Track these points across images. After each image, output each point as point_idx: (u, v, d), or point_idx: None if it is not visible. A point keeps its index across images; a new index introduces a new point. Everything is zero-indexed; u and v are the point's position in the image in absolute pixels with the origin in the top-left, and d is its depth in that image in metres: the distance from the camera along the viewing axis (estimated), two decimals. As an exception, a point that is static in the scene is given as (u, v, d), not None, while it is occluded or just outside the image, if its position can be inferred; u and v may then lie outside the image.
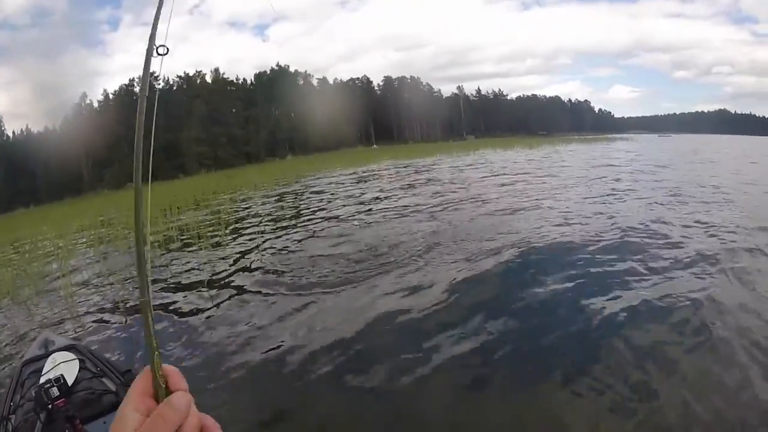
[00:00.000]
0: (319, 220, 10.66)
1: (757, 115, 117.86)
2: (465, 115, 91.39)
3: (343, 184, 19.47)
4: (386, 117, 77.89)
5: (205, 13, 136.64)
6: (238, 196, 19.26)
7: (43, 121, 59.19)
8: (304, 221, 10.76)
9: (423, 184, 16.05)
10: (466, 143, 63.19)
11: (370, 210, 11.66)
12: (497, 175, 17.69)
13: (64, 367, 2.60)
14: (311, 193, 17.18)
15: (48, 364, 2.68)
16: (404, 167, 25.14)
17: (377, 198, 13.69)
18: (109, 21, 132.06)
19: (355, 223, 9.99)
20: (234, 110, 64.88)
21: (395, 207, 11.58)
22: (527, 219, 8.46)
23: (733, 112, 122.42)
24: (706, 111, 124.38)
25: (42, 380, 2.21)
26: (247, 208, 15.03)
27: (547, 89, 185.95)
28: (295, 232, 9.55)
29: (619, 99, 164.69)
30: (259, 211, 13.86)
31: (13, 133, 58.78)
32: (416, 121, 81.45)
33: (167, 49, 1.26)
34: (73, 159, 52.70)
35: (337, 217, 10.88)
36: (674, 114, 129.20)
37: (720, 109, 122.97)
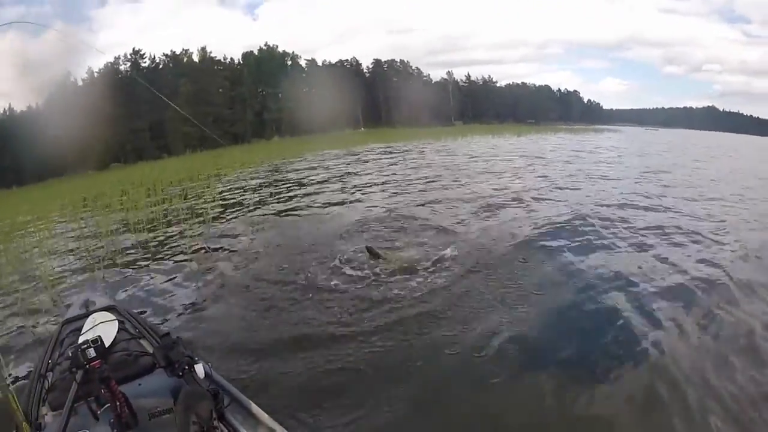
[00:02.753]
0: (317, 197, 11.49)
1: (744, 113, 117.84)
2: (454, 101, 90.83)
3: (330, 165, 20.36)
4: (374, 100, 77.41)
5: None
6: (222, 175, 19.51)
7: (27, 99, 57.47)
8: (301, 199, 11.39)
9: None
10: (454, 129, 63.35)
11: (354, 189, 12.34)
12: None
13: (103, 327, 2.64)
14: (302, 172, 17.61)
15: (88, 323, 2.71)
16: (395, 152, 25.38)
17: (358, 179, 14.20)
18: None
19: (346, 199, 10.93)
20: (221, 90, 63.96)
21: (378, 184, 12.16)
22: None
23: (721, 110, 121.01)
24: (694, 107, 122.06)
25: (81, 340, 2.20)
26: (233, 188, 15.21)
27: (537, 78, 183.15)
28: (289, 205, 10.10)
29: (608, 91, 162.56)
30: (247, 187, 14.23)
31: (-5, 112, 57.11)
32: (404, 105, 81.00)
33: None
34: (57, 139, 51.58)
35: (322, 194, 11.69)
36: (662, 108, 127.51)
37: (708, 106, 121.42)
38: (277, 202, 11.37)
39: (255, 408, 2.25)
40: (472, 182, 12.81)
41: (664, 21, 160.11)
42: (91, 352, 1.89)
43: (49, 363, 2.61)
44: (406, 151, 25.29)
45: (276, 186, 14.18)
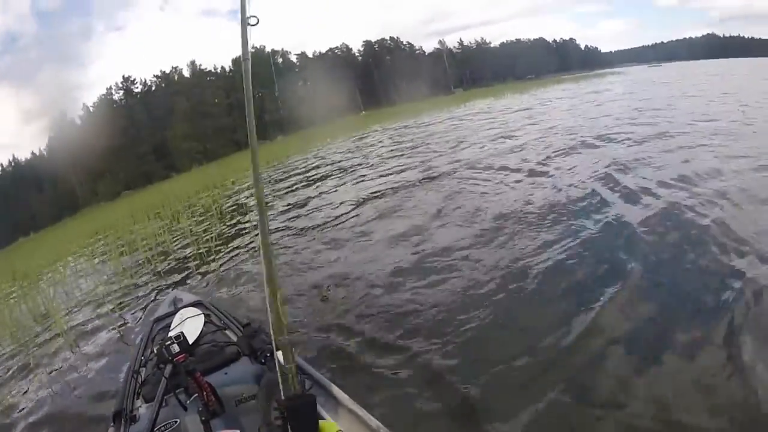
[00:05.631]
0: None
1: (745, 36, 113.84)
2: (450, 69, 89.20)
3: (329, 157, 19.42)
4: (370, 82, 76.33)
5: (177, 7, 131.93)
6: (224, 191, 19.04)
7: (32, 145, 58.59)
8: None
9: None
10: (453, 97, 61.94)
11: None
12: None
13: (190, 322, 2.79)
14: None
15: (176, 319, 2.90)
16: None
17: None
18: (80, 32, 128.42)
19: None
20: (216, 100, 63.71)
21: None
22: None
23: (721, 36, 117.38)
24: (693, 37, 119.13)
25: (170, 335, 2.30)
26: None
27: (532, 32, 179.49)
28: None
29: (606, 34, 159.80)
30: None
31: (1, 166, 57.78)
32: (401, 81, 79.89)
33: (257, 19, 1.68)
34: (65, 178, 52.04)
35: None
36: (662, 43, 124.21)
37: (708, 34, 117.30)
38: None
39: (337, 391, 2.16)
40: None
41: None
42: (175, 348, 2.01)
43: (141, 359, 2.75)
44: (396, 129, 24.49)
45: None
